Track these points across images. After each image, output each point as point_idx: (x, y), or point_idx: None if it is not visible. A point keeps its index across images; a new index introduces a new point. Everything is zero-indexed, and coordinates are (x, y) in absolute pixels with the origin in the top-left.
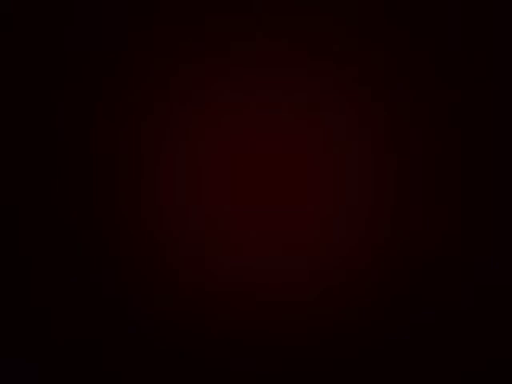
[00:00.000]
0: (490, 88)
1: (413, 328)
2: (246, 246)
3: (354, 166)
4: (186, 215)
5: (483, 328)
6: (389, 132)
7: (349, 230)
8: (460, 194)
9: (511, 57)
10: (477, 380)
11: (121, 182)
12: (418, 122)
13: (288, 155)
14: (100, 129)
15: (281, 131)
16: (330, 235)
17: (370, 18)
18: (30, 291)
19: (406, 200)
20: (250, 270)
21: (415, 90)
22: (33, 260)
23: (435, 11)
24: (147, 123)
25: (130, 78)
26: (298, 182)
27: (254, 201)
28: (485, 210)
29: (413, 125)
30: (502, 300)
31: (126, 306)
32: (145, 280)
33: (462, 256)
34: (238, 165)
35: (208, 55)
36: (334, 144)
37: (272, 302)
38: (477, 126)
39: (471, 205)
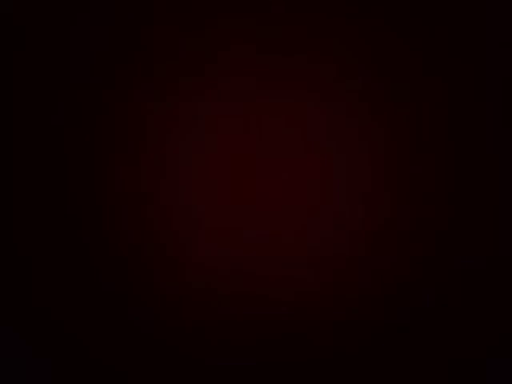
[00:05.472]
0: (488, 91)
1: (410, 327)
2: (245, 246)
3: (353, 166)
4: (186, 215)
5: (481, 324)
6: (389, 133)
7: (348, 228)
8: (454, 191)
9: (510, 57)
10: (476, 376)
11: (121, 182)
12: (406, 121)
13: (288, 156)
14: (101, 128)
15: (280, 132)
16: (331, 235)
17: (369, 20)
18: (31, 291)
19: (399, 199)
20: (249, 269)
21: (413, 91)
22: (33, 260)
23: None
24: (149, 122)
25: (134, 78)
26: (298, 182)
27: (254, 201)
28: (476, 210)
29: (404, 126)
30: (500, 298)
31: (126, 306)
32: (145, 279)
33: (454, 253)
34: (238, 165)
35: (208, 56)
36: (329, 144)
37: (272, 301)
38: (467, 124)
39: (463, 203)
